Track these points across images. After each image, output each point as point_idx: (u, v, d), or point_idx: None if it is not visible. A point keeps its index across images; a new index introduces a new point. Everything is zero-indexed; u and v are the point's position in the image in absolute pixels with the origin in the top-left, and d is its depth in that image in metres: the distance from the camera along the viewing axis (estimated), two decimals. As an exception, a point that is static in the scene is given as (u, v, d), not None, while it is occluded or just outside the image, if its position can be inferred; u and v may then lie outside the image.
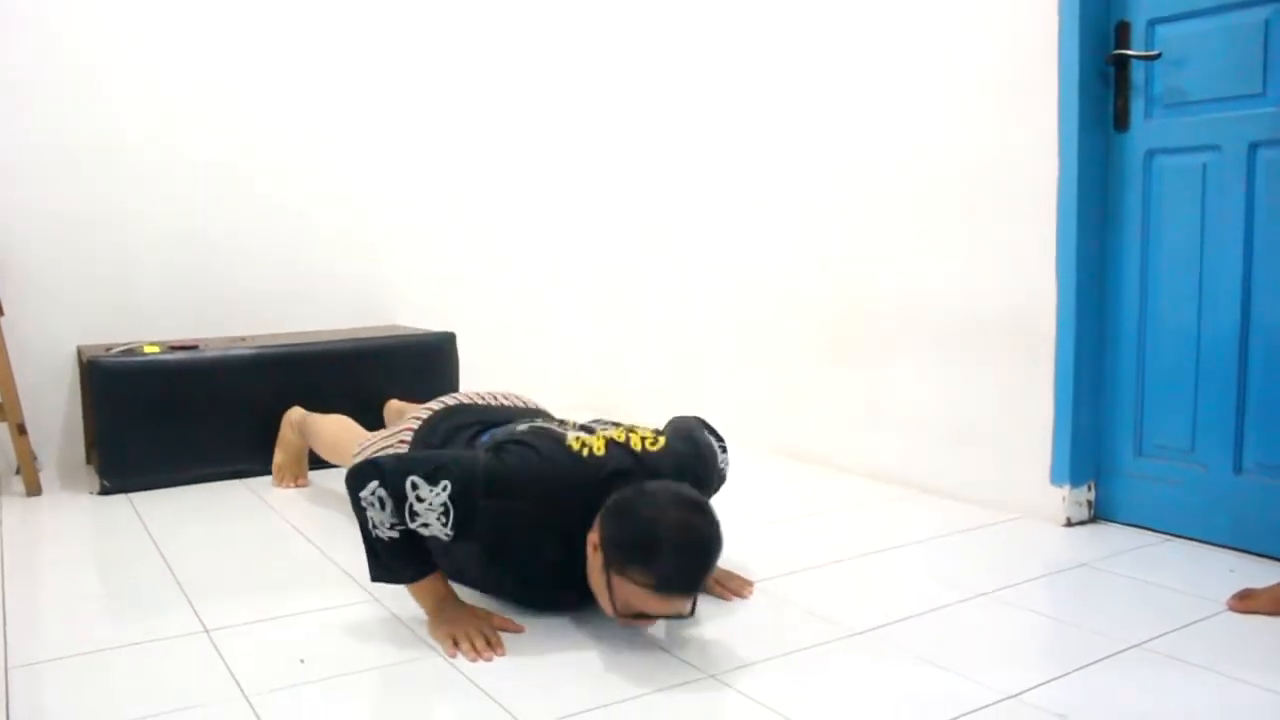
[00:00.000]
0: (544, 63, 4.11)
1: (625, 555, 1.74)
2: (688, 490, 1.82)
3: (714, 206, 3.82)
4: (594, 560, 1.82)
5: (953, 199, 2.91)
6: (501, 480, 1.88)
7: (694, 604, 1.81)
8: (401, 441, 2.39)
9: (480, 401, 2.47)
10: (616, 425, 2.08)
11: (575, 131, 4.21)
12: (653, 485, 1.81)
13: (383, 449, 2.43)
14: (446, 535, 1.87)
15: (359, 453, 2.52)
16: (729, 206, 3.75)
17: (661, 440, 2.04)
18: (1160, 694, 1.70)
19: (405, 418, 2.52)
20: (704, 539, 1.76)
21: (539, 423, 2.16)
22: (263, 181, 3.61)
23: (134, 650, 1.89)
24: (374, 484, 1.87)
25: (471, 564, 2.08)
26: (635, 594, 1.75)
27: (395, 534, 1.89)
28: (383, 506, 1.86)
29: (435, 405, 2.46)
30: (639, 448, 1.99)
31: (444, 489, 1.84)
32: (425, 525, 1.87)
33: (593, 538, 1.82)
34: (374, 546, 1.93)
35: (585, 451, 1.95)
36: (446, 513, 1.85)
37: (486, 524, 1.88)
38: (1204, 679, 1.74)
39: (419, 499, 1.85)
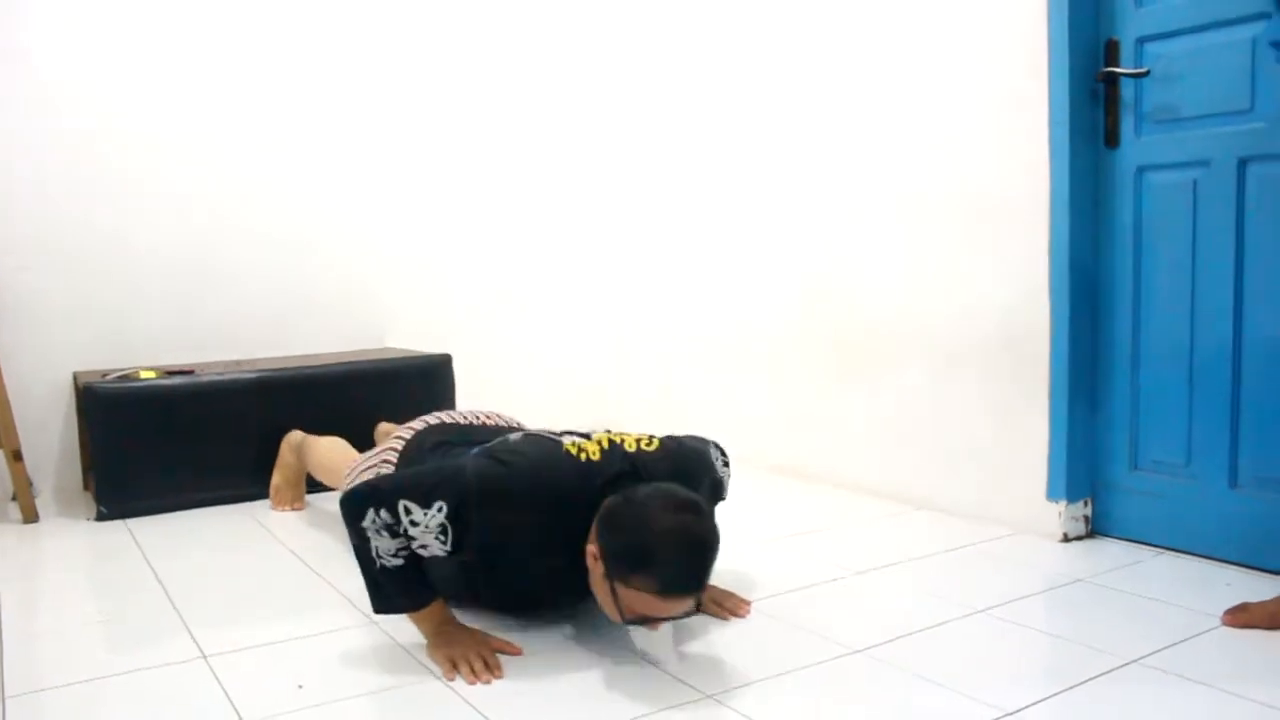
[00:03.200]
0: (539, 82, 4.13)
1: (626, 565, 1.75)
2: (678, 490, 1.82)
3: (711, 226, 3.84)
4: (595, 570, 1.83)
5: (946, 216, 2.93)
6: (497, 489, 1.88)
7: (698, 601, 1.81)
8: (385, 461, 2.38)
9: (464, 420, 2.47)
10: (608, 432, 2.08)
11: (571, 149, 4.22)
12: (643, 490, 1.82)
13: (368, 468, 2.43)
14: (445, 552, 1.88)
15: (349, 475, 2.52)
16: (726, 226, 3.77)
17: (655, 441, 2.05)
18: (1157, 710, 1.70)
19: (389, 437, 2.52)
20: (701, 538, 1.76)
21: (532, 429, 2.17)
22: (257, 206, 3.62)
23: (132, 677, 1.88)
24: (371, 511, 1.86)
25: (458, 577, 2.07)
26: (641, 600, 1.75)
27: (400, 560, 1.89)
28: (388, 533, 1.86)
29: (418, 424, 2.46)
30: (634, 449, 1.99)
31: (439, 510, 1.85)
32: (424, 546, 1.87)
33: (591, 549, 1.83)
34: (376, 578, 1.92)
35: (583, 456, 1.95)
36: (445, 532, 1.85)
37: (485, 535, 1.88)
38: (1200, 694, 1.75)
39: (413, 523, 1.85)
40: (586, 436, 2.03)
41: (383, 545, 1.88)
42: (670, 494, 1.80)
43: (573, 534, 1.88)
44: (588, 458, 1.95)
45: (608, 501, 1.84)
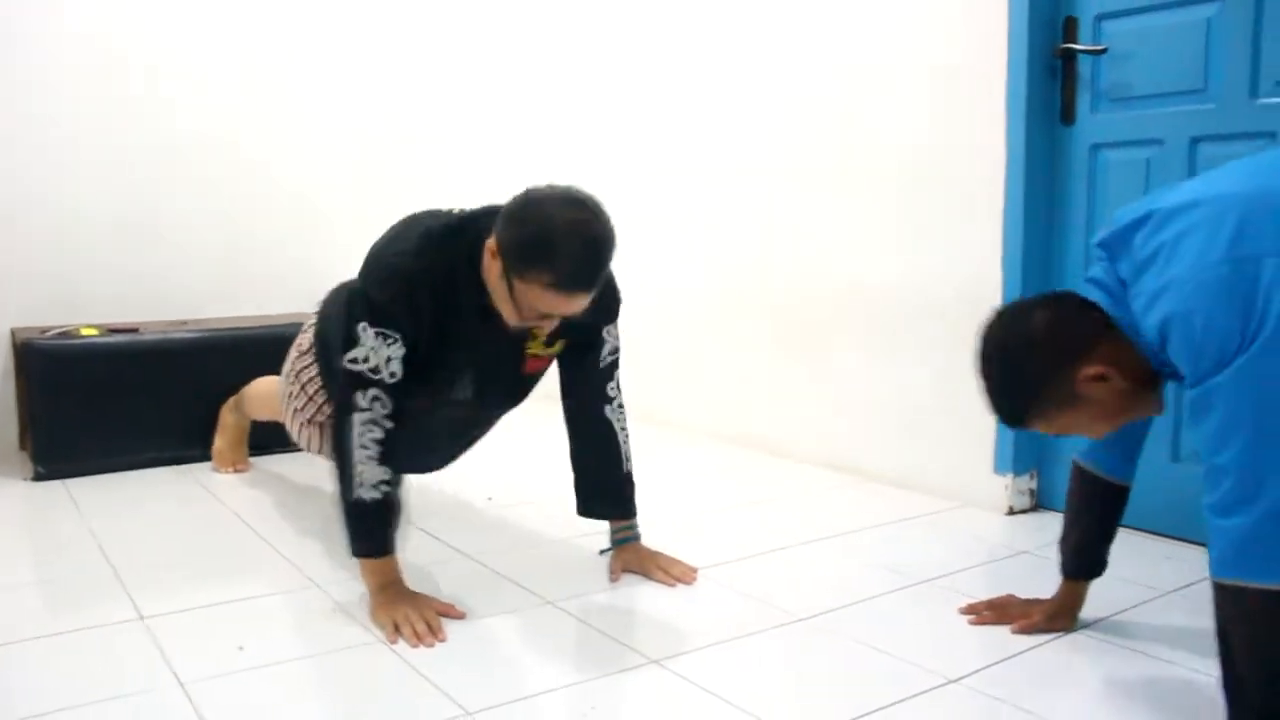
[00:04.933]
0: (497, 54, 4.08)
1: (524, 258, 1.75)
2: (578, 190, 1.84)
3: (656, 196, 3.81)
4: (493, 268, 1.83)
5: (899, 188, 2.93)
6: (384, 266, 1.90)
7: (593, 302, 1.83)
8: (301, 351, 2.44)
9: None
10: None
11: (517, 113, 4.17)
12: (542, 188, 1.83)
13: (295, 359, 2.46)
14: (404, 352, 1.86)
15: (288, 380, 2.52)
16: (671, 196, 3.74)
17: None
18: (1094, 675, 1.73)
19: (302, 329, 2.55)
20: (599, 235, 1.79)
21: None
22: (204, 164, 3.53)
23: (67, 638, 1.85)
24: (354, 398, 1.85)
25: (437, 383, 2.02)
26: (538, 295, 1.77)
27: (378, 495, 1.88)
28: (376, 427, 1.86)
29: (315, 315, 2.48)
30: None
31: (363, 329, 1.85)
32: (393, 372, 1.86)
33: (490, 244, 1.83)
34: (352, 510, 1.90)
35: (456, 209, 1.98)
36: (385, 339, 1.85)
37: (413, 314, 1.87)
38: (1137, 661, 1.78)
39: (367, 360, 1.85)
40: None
41: (369, 472, 1.87)
42: (570, 192, 1.82)
43: (472, 278, 1.87)
44: (462, 209, 1.98)
45: (507, 202, 1.84)
